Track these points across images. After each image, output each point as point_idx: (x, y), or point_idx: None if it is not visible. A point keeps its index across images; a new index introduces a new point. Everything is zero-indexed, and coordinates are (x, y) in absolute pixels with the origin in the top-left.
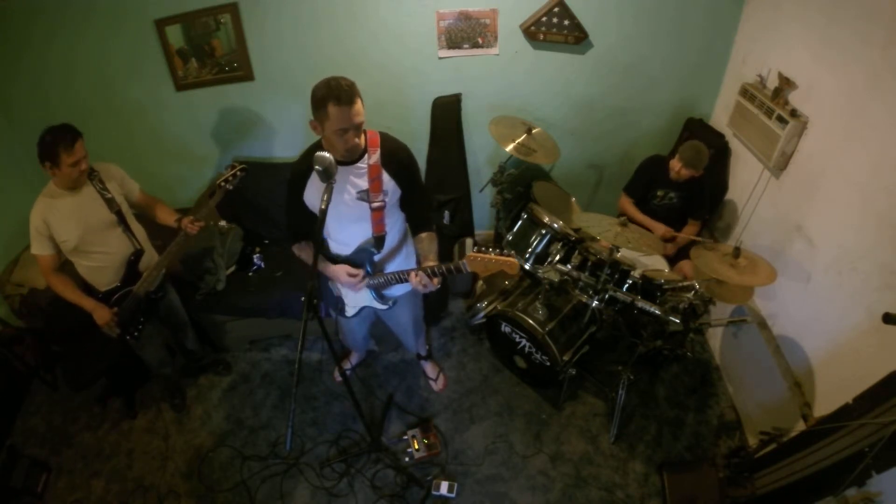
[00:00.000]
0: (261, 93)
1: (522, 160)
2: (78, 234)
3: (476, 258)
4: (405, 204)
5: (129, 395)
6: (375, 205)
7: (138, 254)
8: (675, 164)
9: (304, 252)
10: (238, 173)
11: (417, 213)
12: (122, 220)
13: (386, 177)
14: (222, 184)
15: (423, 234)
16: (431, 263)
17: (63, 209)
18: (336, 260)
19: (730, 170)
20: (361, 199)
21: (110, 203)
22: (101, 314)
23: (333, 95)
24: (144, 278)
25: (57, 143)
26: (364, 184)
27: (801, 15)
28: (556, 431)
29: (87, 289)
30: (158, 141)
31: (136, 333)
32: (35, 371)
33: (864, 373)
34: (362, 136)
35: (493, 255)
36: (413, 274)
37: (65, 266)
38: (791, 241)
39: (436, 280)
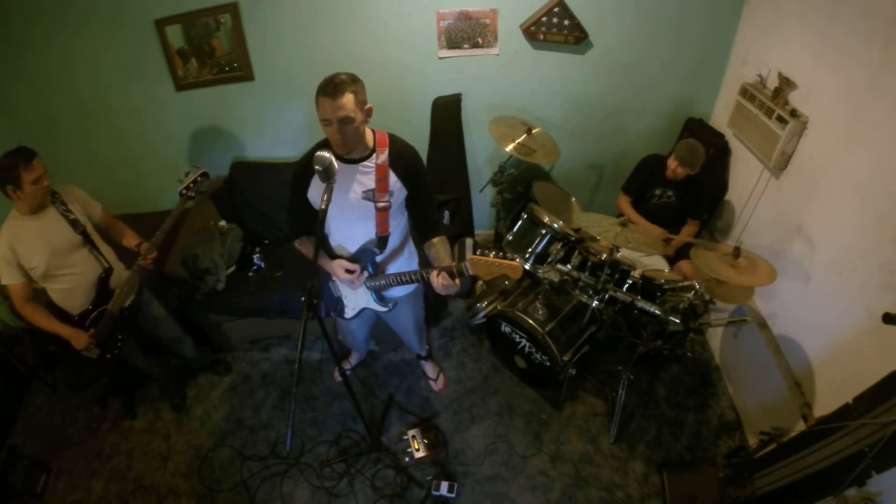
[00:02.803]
0: (261, 93)
1: (522, 160)
2: (46, 258)
3: (479, 261)
4: (412, 207)
5: (128, 396)
6: (381, 205)
7: (108, 272)
8: (671, 163)
9: (304, 247)
10: (199, 179)
11: (425, 216)
12: (87, 240)
13: (393, 177)
14: (184, 192)
15: (435, 239)
16: (448, 265)
17: (28, 235)
18: (336, 258)
19: (730, 170)
20: (367, 198)
21: (74, 224)
22: (79, 340)
23: (323, 87)
24: (117, 295)
25: (15, 164)
26: (371, 183)
27: (801, 15)
28: (556, 431)
29: (62, 314)
30: (158, 141)
31: (115, 351)
32: (35, 371)
33: (864, 373)
34: (369, 135)
35: (495, 259)
36: (434, 274)
37: (37, 294)
38: (791, 241)
39: (457, 280)
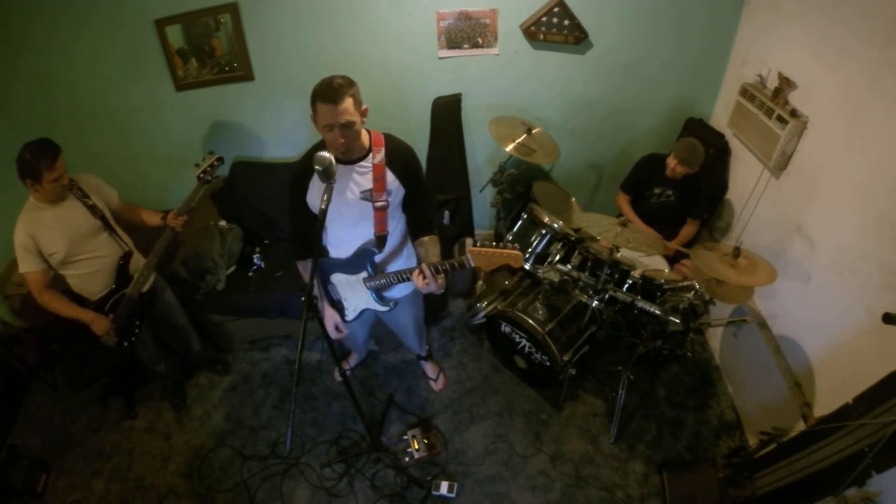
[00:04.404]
0: (261, 93)
1: (522, 160)
2: (65, 245)
3: (480, 252)
4: (408, 205)
5: (129, 395)
6: (379, 204)
7: (127, 256)
8: (671, 161)
9: (306, 272)
10: (215, 164)
11: (419, 215)
12: (106, 224)
13: (390, 176)
14: (201, 175)
15: (425, 238)
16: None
17: (47, 222)
18: (336, 265)
19: (730, 170)
20: (365, 198)
21: (93, 210)
22: (99, 324)
23: (322, 93)
24: (136, 280)
25: (38, 160)
26: (368, 183)
27: (801, 15)
28: (556, 431)
29: (79, 301)
30: (158, 141)
31: (132, 339)
32: (35, 371)
33: (864, 373)
34: (365, 136)
35: (496, 249)
36: (416, 272)
37: (54, 281)
38: (791, 241)
39: (440, 279)
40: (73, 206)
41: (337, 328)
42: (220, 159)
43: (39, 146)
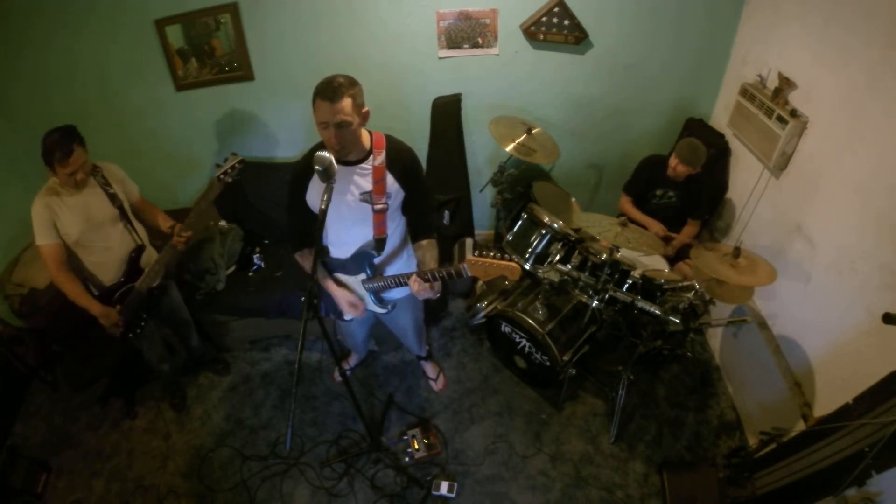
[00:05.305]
0: (261, 93)
1: (522, 160)
2: (80, 228)
3: (477, 262)
4: (408, 207)
5: (129, 395)
6: (378, 207)
7: (140, 250)
8: (672, 162)
9: (306, 261)
10: (237, 165)
11: (419, 217)
12: (123, 215)
13: (390, 179)
14: (221, 176)
15: (424, 241)
16: (431, 268)
17: (66, 203)
18: (335, 265)
19: (730, 170)
20: (364, 200)
21: (113, 198)
22: (108, 317)
23: (321, 90)
24: (146, 274)
25: (51, 153)
26: (368, 185)
27: (801, 15)
28: (556, 431)
29: (87, 286)
30: (158, 141)
31: (138, 331)
32: (35, 371)
33: (864, 373)
34: (366, 137)
35: (494, 260)
36: (413, 278)
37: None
38: (791, 241)
39: (436, 286)
40: (95, 193)
41: (353, 305)
42: (243, 161)
43: (60, 138)
